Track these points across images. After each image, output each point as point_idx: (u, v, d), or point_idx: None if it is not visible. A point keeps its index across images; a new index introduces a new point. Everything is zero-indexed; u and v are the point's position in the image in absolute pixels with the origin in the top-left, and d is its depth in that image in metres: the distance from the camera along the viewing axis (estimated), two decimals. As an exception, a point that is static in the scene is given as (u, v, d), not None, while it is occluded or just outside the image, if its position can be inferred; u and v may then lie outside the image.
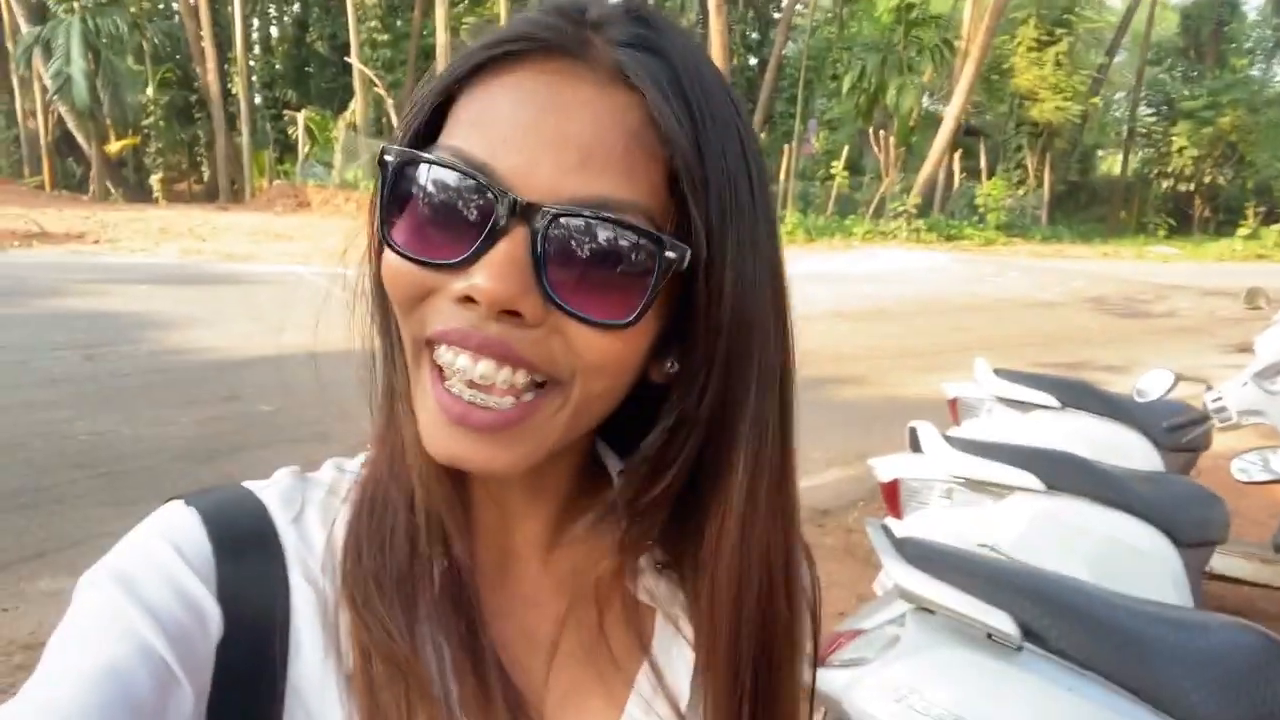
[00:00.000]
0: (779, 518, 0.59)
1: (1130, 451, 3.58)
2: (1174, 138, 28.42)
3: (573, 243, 0.48)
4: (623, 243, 0.49)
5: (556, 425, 0.53)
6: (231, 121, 25.84)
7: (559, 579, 0.63)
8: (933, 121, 25.44)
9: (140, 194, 24.92)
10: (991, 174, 26.21)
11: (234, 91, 25.69)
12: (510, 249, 0.48)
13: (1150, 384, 3.28)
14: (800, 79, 26.68)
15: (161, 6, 28.12)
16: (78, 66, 19.71)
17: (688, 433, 0.56)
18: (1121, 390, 3.95)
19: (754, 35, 32.26)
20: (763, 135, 27.16)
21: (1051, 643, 1.90)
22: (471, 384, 0.50)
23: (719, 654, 0.59)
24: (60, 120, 23.16)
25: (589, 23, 0.52)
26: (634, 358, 0.53)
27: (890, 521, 3.00)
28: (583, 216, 0.48)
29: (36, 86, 22.52)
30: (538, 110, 0.49)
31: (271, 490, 0.60)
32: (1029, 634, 1.90)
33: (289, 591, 0.56)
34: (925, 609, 2.04)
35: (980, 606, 1.95)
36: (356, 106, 24.42)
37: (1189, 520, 2.70)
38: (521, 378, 0.51)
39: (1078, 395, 3.90)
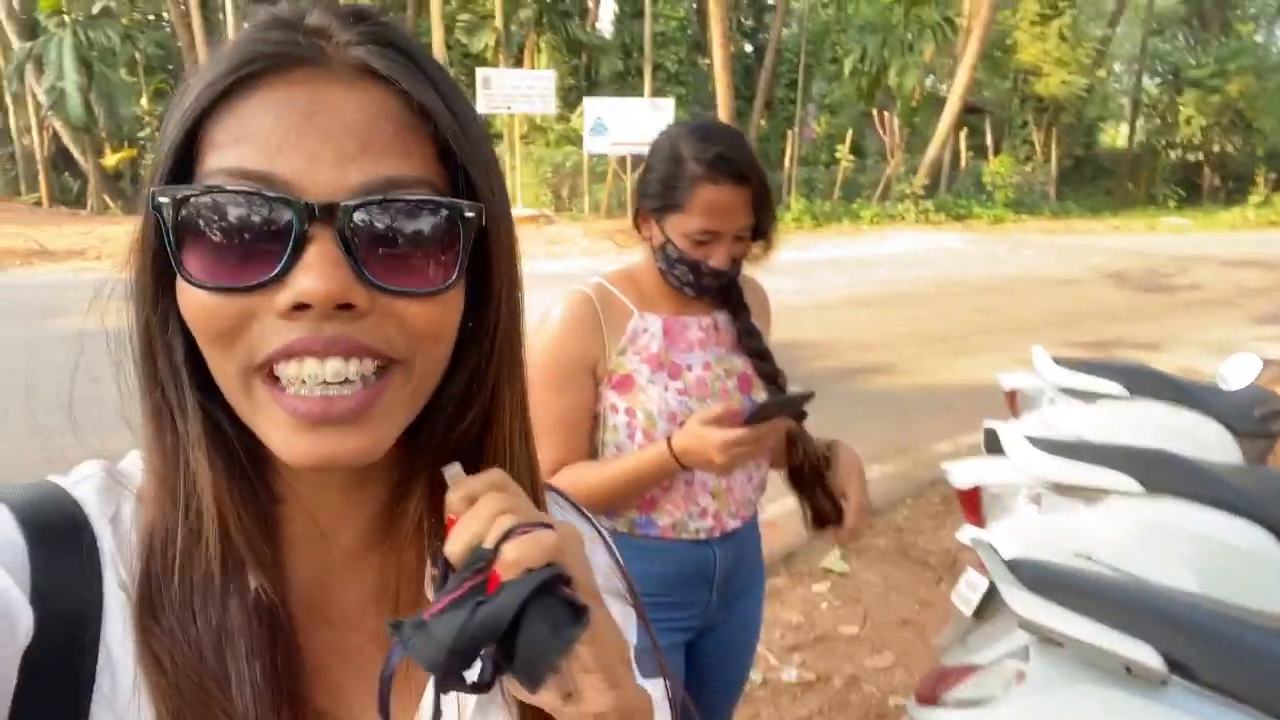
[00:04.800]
0: (529, 429, 0.66)
1: (1206, 440, 3.37)
2: (1180, 107, 28.07)
3: (378, 228, 0.51)
4: (426, 216, 0.53)
5: (404, 400, 0.55)
6: (228, 129, 25.54)
7: (375, 593, 0.63)
8: (935, 101, 25.12)
9: (140, 206, 24.68)
10: (998, 151, 25.90)
11: (229, 99, 25.40)
12: (321, 249, 0.49)
13: (1235, 369, 3.07)
14: (800, 64, 26.41)
15: (152, 18, 27.82)
16: (71, 81, 19.45)
17: (485, 373, 0.61)
18: (1165, 367, 3.74)
19: (749, 22, 31.93)
20: (762, 122, 26.90)
21: (1201, 675, 1.70)
22: (323, 383, 0.51)
23: None
24: (56, 135, 22.92)
25: (314, 30, 0.54)
26: (455, 319, 0.57)
27: (973, 530, 2.79)
28: (381, 202, 0.51)
29: (30, 102, 22.26)
30: (301, 115, 0.50)
31: (86, 486, 0.58)
32: (1174, 666, 1.70)
33: (102, 595, 0.54)
34: (1051, 641, 1.83)
35: (1116, 637, 1.74)
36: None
37: (1299, 517, 2.49)
38: (369, 366, 0.52)
39: (1145, 382, 3.69)
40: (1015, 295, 11.86)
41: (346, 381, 0.52)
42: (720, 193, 1.56)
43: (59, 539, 0.54)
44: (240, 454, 0.57)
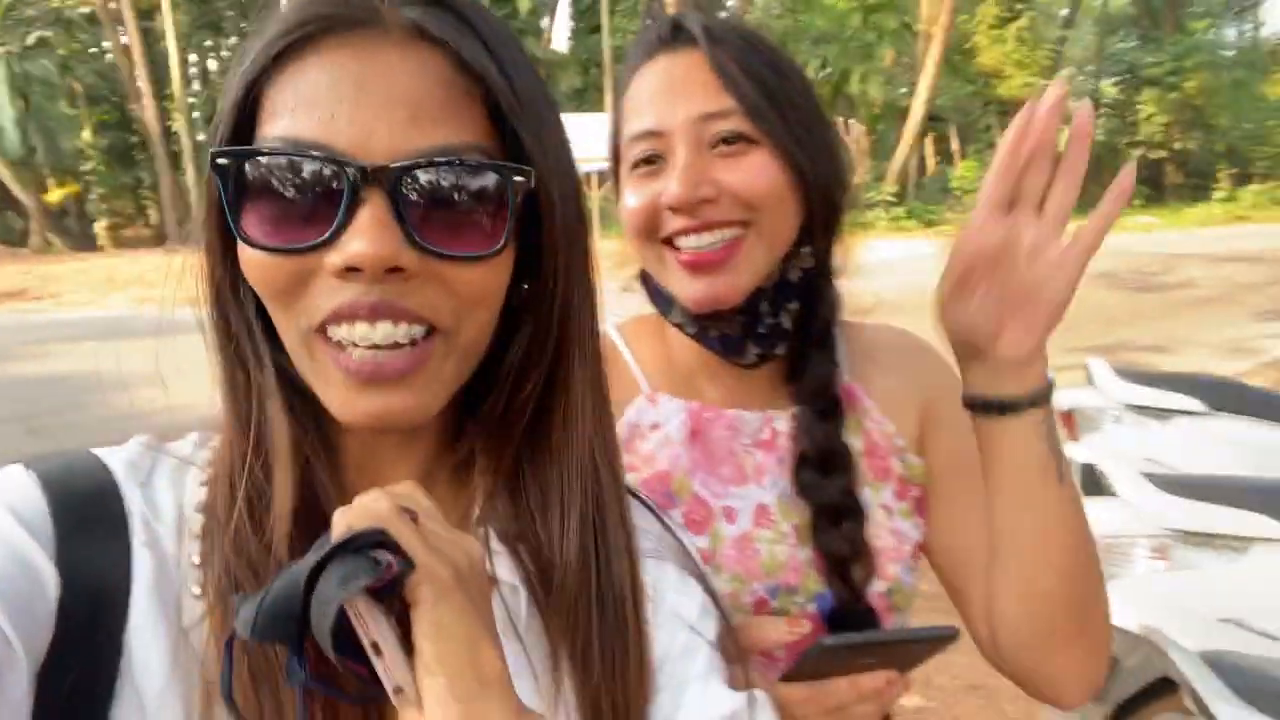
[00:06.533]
0: (604, 408, 0.63)
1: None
2: (1139, 106, 28.26)
3: (427, 192, 0.52)
4: (474, 180, 0.53)
5: (449, 370, 0.56)
6: (176, 160, 24.72)
7: None
8: (894, 108, 25.01)
9: (86, 243, 23.79)
10: (964, 156, 25.84)
11: (175, 129, 24.61)
12: (373, 212, 0.50)
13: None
14: (761, 74, 26.12)
15: (93, 50, 26.87)
16: (7, 114, 18.59)
17: (544, 342, 0.59)
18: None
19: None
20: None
21: None
22: (374, 347, 0.52)
23: (560, 560, 0.59)
24: (-6, 173, 22.05)
25: None
26: (502, 285, 0.57)
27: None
28: (429, 165, 0.51)
29: (-36, 138, 21.34)
30: (355, 82, 0.51)
31: (119, 456, 0.59)
32: None
33: (130, 559, 0.54)
34: None
35: None
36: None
37: None
38: (417, 330, 0.53)
39: (1226, 396, 3.28)
40: (1003, 300, 11.53)
41: (396, 345, 0.52)
42: (652, 68, 0.91)
43: (85, 507, 0.54)
44: (307, 403, 0.57)
